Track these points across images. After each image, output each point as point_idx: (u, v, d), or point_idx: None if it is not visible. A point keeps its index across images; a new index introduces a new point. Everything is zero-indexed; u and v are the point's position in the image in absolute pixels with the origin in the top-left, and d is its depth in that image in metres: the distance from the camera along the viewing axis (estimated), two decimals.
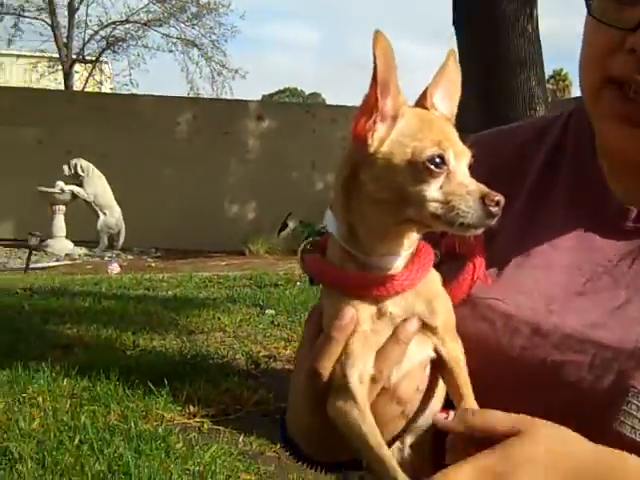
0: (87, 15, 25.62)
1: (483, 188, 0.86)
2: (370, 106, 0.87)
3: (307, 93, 52.25)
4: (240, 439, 4.41)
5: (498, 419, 0.86)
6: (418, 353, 0.96)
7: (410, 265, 0.95)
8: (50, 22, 24.59)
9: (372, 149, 0.88)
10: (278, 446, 4.06)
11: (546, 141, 1.18)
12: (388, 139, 0.88)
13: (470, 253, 1.04)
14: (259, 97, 30.99)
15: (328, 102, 33.42)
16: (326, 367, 0.94)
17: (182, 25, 26.27)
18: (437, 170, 0.85)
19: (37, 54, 25.81)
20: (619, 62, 0.95)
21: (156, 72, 29.97)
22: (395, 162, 0.87)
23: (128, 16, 25.82)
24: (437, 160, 0.86)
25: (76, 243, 13.34)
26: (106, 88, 27.89)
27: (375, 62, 0.85)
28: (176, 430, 4.46)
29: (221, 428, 4.60)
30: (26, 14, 24.76)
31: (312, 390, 0.97)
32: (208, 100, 19.55)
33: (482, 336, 1.01)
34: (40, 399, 4.76)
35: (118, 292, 9.41)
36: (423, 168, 0.85)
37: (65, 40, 24.63)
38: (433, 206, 0.86)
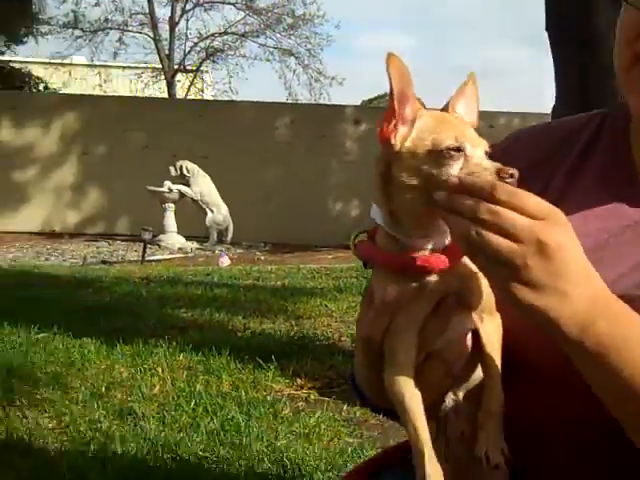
0: (187, 28, 26.71)
1: (498, 165, 0.98)
2: (390, 113, 1.05)
3: None
4: (344, 408, 4.63)
5: (537, 202, 0.97)
6: (459, 324, 1.11)
7: (449, 247, 1.07)
8: (152, 35, 25.66)
9: (397, 147, 1.04)
10: (382, 415, 4.26)
11: (585, 132, 1.32)
12: (410, 137, 1.04)
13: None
14: (358, 103, 31.13)
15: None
16: (377, 335, 1.12)
17: (278, 35, 26.87)
18: (456, 154, 0.99)
19: (141, 65, 26.93)
20: None
21: (255, 80, 30.66)
22: (419, 153, 1.02)
23: (226, 28, 26.65)
24: (455, 148, 0.99)
25: (187, 238, 13.95)
26: (207, 96, 28.78)
27: (390, 78, 1.02)
28: (284, 399, 4.74)
29: (326, 399, 4.83)
30: (129, 28, 25.97)
31: (367, 354, 1.17)
32: (306, 105, 20.06)
33: None
34: (159, 369, 5.12)
35: (229, 282, 9.81)
36: (443, 154, 0.99)
37: (167, 52, 25.64)
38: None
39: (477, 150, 1.00)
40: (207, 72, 29.23)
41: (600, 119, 1.31)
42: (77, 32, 25.29)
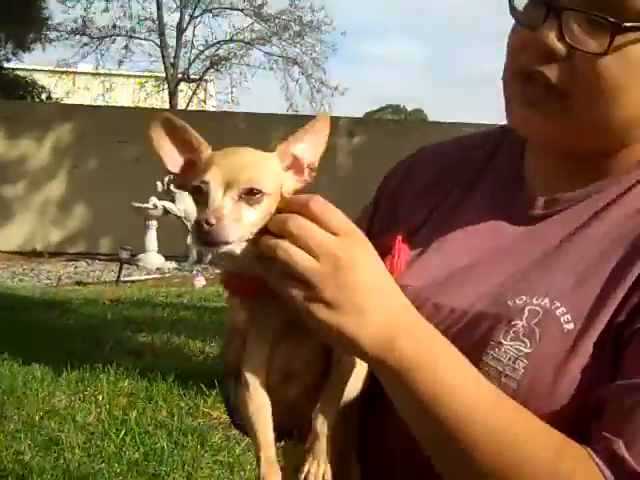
0: (194, 35, 26.73)
1: (204, 212, 0.97)
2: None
3: (409, 110, 52.27)
4: None
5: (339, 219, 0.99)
6: (314, 345, 1.11)
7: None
8: (159, 43, 25.76)
9: (183, 190, 1.08)
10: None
11: (485, 148, 1.35)
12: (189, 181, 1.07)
13: (393, 246, 1.22)
14: (361, 114, 31.20)
15: (430, 119, 33.37)
16: (230, 357, 1.15)
17: (284, 43, 26.95)
18: (199, 198, 1.00)
19: (145, 74, 27.01)
20: (527, 55, 1.10)
21: (257, 90, 30.78)
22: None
23: (232, 35, 26.72)
24: (200, 191, 1.00)
25: (167, 257, 13.96)
26: (209, 106, 28.85)
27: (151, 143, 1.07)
28: (219, 427, 4.75)
29: None
30: (137, 35, 26.08)
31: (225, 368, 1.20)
32: (300, 117, 20.07)
33: None
34: (100, 397, 5.15)
35: (198, 304, 9.84)
36: (193, 198, 1.02)
37: (172, 60, 25.72)
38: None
39: (215, 192, 0.99)
40: (212, 81, 29.34)
41: (502, 132, 1.34)
42: (84, 39, 25.38)
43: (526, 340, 1.03)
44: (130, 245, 12.90)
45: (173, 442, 4.35)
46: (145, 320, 8.35)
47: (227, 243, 0.97)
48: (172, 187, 13.68)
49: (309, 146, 1.12)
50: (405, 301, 1.01)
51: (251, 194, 1.00)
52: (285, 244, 0.96)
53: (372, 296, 0.97)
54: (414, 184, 1.36)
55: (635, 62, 1.03)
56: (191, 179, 1.04)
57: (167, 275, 13.05)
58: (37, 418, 4.71)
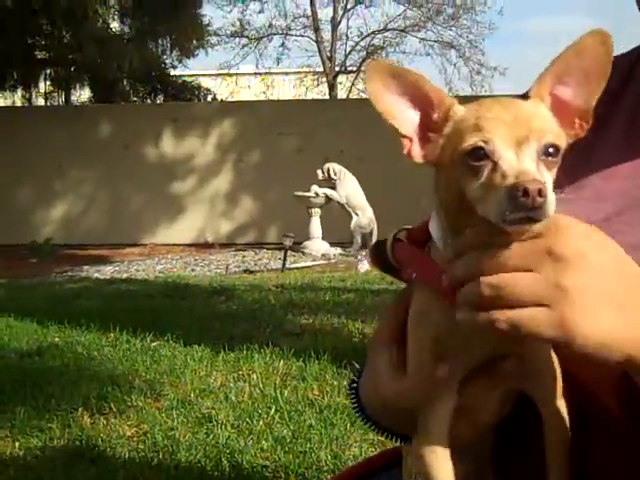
0: (348, 28, 26.90)
1: (516, 178, 0.77)
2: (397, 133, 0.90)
3: None
4: None
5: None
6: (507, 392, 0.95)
7: None
8: (315, 38, 26.12)
9: (424, 162, 0.90)
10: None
11: (619, 70, 1.15)
12: (437, 149, 0.87)
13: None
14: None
15: None
16: (409, 402, 0.96)
17: (439, 27, 26.53)
18: (476, 164, 0.80)
19: (303, 69, 27.48)
20: None
21: None
22: (445, 166, 0.86)
23: (386, 24, 26.64)
24: (478, 153, 0.80)
25: (332, 244, 14.02)
26: None
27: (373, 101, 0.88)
28: None
29: None
30: (292, 32, 26.59)
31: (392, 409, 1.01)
32: (461, 98, 19.60)
33: None
34: (254, 376, 5.14)
35: (360, 286, 9.76)
36: (463, 165, 0.81)
37: (329, 53, 26.00)
38: (476, 203, 0.81)
39: (508, 153, 0.79)
40: None
41: (636, 55, 1.14)
42: (243, 41, 26.33)
43: None
44: (295, 233, 13.06)
45: (322, 420, 4.24)
46: (307, 303, 8.37)
47: (545, 220, 0.77)
48: (331, 174, 13.72)
49: (579, 82, 0.86)
50: None
51: (549, 154, 0.80)
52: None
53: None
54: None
55: None
56: (437, 144, 0.86)
57: (332, 261, 13.09)
58: (192, 396, 4.76)
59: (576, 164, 1.04)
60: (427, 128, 0.88)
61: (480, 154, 0.79)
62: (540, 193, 0.74)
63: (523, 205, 0.74)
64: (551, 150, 0.80)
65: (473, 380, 0.92)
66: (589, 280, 0.77)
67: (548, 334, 0.76)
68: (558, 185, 1.03)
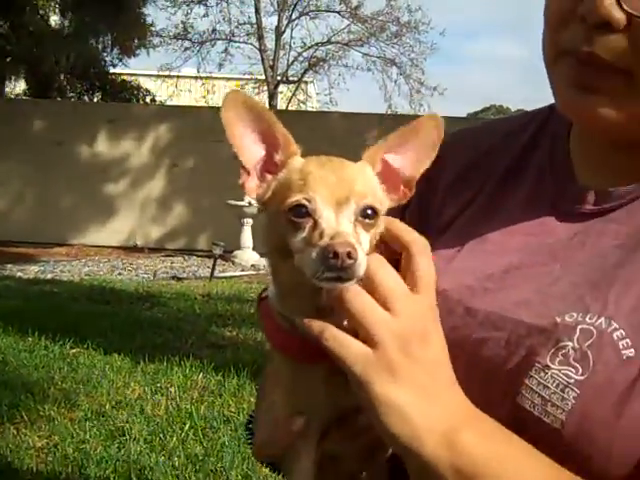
0: (292, 38, 26.99)
1: (331, 239, 0.81)
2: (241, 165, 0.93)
3: (513, 110, 51.00)
4: None
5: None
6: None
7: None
8: (258, 46, 26.13)
9: (254, 201, 0.93)
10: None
11: (527, 132, 1.19)
12: (269, 191, 0.90)
13: None
14: (462, 115, 30.65)
15: None
16: (272, 451, 1.02)
17: (382, 44, 26.83)
18: (298, 220, 0.83)
19: (245, 76, 27.43)
20: (570, 33, 0.94)
21: (356, 91, 30.86)
22: (271, 213, 0.89)
23: (330, 37, 26.81)
24: (300, 210, 0.84)
25: (263, 255, 14.02)
26: (309, 108, 29.04)
27: (224, 123, 0.92)
28: None
29: None
30: (236, 39, 26.55)
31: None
32: (396, 116, 19.86)
33: None
34: (172, 390, 5.13)
35: None
36: (287, 218, 0.84)
37: (271, 62, 26.03)
38: (296, 254, 0.84)
39: (328, 212, 0.83)
40: (311, 83, 29.52)
41: (547, 113, 1.18)
42: (186, 43, 26.12)
43: (577, 366, 0.87)
44: (226, 242, 13.01)
45: (237, 438, 4.26)
46: (232, 315, 8.36)
47: (355, 280, 0.82)
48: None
49: (409, 155, 0.94)
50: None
51: (366, 216, 0.85)
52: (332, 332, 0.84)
53: (436, 379, 0.85)
54: (446, 173, 1.18)
55: None
56: (270, 186, 0.89)
57: (262, 272, 13.09)
58: (107, 408, 4.73)
59: (480, 220, 1.10)
60: (267, 167, 0.92)
61: (302, 211, 0.83)
62: (349, 255, 0.79)
63: (334, 266, 0.79)
64: (369, 212, 0.85)
65: (335, 432, 0.97)
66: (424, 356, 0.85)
67: (354, 367, 0.82)
68: (457, 242, 1.09)
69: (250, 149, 0.92)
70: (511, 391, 0.90)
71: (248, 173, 0.92)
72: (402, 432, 0.82)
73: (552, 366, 0.88)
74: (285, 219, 0.84)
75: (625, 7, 0.86)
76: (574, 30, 0.92)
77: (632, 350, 0.85)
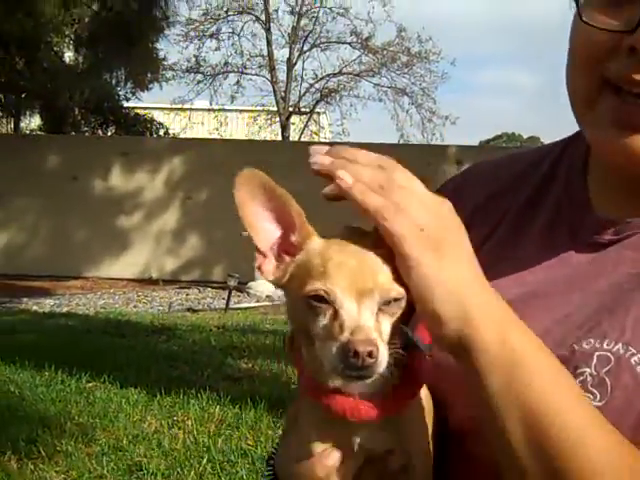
0: (303, 69, 27.23)
1: (351, 334, 0.79)
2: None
3: (525, 137, 51.08)
4: None
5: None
6: None
7: (389, 394, 0.88)
8: (270, 78, 26.39)
9: (276, 282, 0.88)
10: None
11: (544, 165, 1.19)
12: (287, 274, 0.87)
13: None
14: (474, 143, 30.75)
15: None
16: None
17: (393, 74, 27.02)
18: (318, 305, 0.81)
19: (257, 108, 27.64)
20: (617, 64, 0.93)
21: (368, 121, 31.04)
22: (291, 295, 0.86)
23: (341, 68, 27.05)
24: (320, 298, 0.81)
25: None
26: (322, 138, 29.19)
27: (237, 204, 0.88)
28: None
29: None
30: (247, 71, 26.81)
31: None
32: (407, 146, 19.93)
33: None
34: (189, 423, 5.11)
35: None
36: (307, 303, 0.82)
37: (283, 94, 26.25)
38: (317, 340, 0.82)
39: (349, 303, 0.80)
40: (323, 114, 29.70)
41: (560, 149, 1.18)
42: (198, 77, 26.40)
43: (595, 392, 0.88)
44: (241, 274, 13.02)
45: (255, 472, 4.24)
46: (247, 346, 8.34)
47: (378, 373, 0.80)
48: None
49: None
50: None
51: (389, 304, 0.82)
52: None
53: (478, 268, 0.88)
54: (464, 206, 1.18)
55: None
56: (288, 268, 0.86)
57: (277, 302, 13.08)
58: (125, 442, 4.71)
59: (500, 251, 1.09)
60: (284, 248, 0.89)
61: (322, 299, 0.81)
62: (370, 354, 0.77)
63: (354, 365, 0.77)
64: (392, 302, 0.82)
65: (367, 472, 0.95)
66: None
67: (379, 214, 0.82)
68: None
69: (265, 230, 0.89)
70: None
71: (265, 256, 0.88)
72: (456, 315, 0.80)
73: None
74: (305, 304, 0.82)
75: None
76: (622, 62, 0.92)
77: None
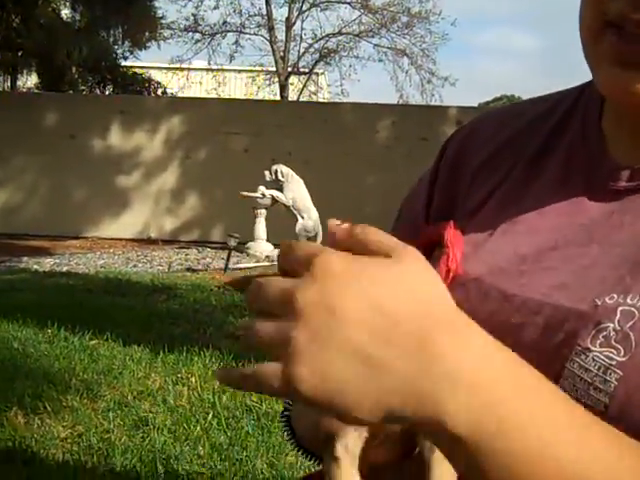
0: (302, 29, 26.99)
1: None
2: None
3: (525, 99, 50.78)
4: None
5: (380, 239, 0.72)
6: None
7: None
8: (268, 37, 26.14)
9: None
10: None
11: (555, 114, 1.15)
12: None
13: (445, 242, 1.04)
14: (474, 105, 30.61)
15: None
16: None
17: (393, 35, 26.79)
18: None
19: (256, 68, 27.44)
20: (616, 3, 0.90)
21: (367, 82, 30.88)
22: None
23: (341, 28, 26.81)
24: None
25: (277, 246, 14.02)
26: (320, 99, 29.04)
27: None
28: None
29: None
30: (246, 30, 26.56)
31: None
32: (408, 106, 19.80)
33: (457, 303, 0.82)
34: (192, 380, 5.13)
35: None
36: None
37: (282, 54, 26.02)
38: None
39: None
40: (322, 74, 29.52)
41: (577, 93, 1.14)
42: (197, 36, 26.17)
43: (619, 347, 0.85)
44: (240, 234, 13.01)
45: (260, 427, 4.27)
46: None
47: None
48: (279, 176, 13.74)
49: None
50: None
51: None
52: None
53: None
54: (474, 156, 1.15)
55: None
56: None
57: (276, 263, 13.08)
58: (130, 398, 4.74)
59: (511, 202, 1.08)
60: None
61: None
62: None
63: None
64: None
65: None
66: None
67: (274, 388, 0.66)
68: (488, 225, 1.07)
69: None
70: (553, 376, 0.88)
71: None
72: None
73: (593, 348, 0.85)
74: None
75: None
76: (619, 1, 0.88)
77: None
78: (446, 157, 1.19)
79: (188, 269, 11.92)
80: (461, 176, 1.15)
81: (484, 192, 1.11)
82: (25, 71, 21.35)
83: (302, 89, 27.23)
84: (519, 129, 1.16)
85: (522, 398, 0.71)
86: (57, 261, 12.48)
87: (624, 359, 0.84)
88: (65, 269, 11.51)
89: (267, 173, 13.94)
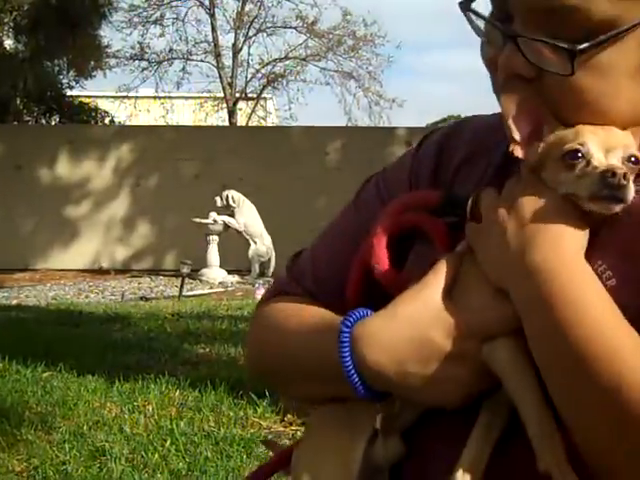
0: (249, 55, 27.08)
1: (608, 165, 0.92)
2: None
3: None
4: None
5: None
6: None
7: None
8: (215, 64, 26.18)
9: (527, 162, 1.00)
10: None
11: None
12: (537, 153, 0.99)
13: (434, 235, 1.08)
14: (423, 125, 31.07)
15: None
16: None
17: (339, 58, 27.06)
18: (572, 161, 0.94)
19: (204, 94, 27.43)
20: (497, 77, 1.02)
21: (315, 105, 31.02)
22: (545, 162, 0.98)
23: (287, 53, 26.99)
24: (575, 154, 0.94)
25: (230, 272, 13.99)
26: (270, 123, 29.13)
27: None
28: (269, 436, 4.63)
29: None
30: (193, 57, 26.56)
31: None
32: (357, 128, 20.05)
33: None
34: (149, 407, 5.09)
35: None
36: (561, 162, 0.95)
37: (229, 80, 26.07)
38: (567, 187, 0.95)
39: (600, 154, 0.94)
40: (270, 99, 29.61)
41: None
42: (143, 64, 26.06)
43: None
44: (193, 260, 12.96)
45: (218, 452, 4.26)
46: (204, 332, 8.33)
47: (624, 203, 0.92)
48: (230, 201, 13.71)
49: None
50: None
51: (631, 161, 0.95)
52: None
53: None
54: (457, 152, 1.21)
55: (607, 68, 0.95)
56: (539, 149, 0.99)
57: (230, 289, 13.06)
58: (85, 428, 4.69)
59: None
60: (536, 138, 1.00)
61: (576, 155, 0.94)
62: (624, 177, 0.90)
63: (611, 184, 0.90)
64: (633, 159, 0.95)
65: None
66: None
67: None
68: None
69: (519, 126, 1.01)
70: None
71: (518, 144, 1.01)
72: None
73: None
74: (558, 163, 0.95)
75: (532, 62, 0.95)
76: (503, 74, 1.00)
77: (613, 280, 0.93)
78: (424, 150, 1.24)
79: (141, 298, 11.81)
80: (446, 171, 1.20)
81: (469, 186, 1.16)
82: None
83: (251, 114, 27.30)
84: (494, 135, 1.22)
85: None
86: (6, 294, 12.26)
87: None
88: (15, 302, 11.32)
89: (218, 199, 13.94)
